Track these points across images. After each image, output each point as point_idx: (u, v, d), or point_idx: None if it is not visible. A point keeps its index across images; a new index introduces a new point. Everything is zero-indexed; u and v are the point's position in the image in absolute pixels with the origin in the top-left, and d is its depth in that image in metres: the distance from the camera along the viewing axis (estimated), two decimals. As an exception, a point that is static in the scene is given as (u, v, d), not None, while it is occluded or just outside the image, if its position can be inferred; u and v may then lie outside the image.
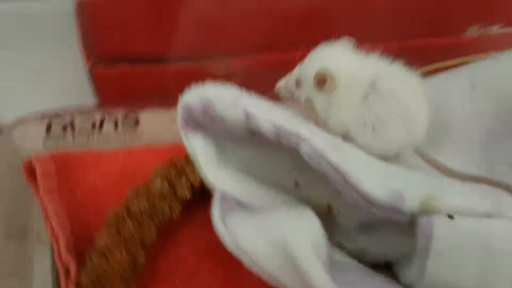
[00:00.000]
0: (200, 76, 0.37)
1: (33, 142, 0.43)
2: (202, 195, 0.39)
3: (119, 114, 0.44)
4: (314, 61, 0.38)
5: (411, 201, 0.31)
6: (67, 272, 0.35)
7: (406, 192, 0.31)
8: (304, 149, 0.32)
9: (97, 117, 0.43)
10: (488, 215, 0.31)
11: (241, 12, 0.47)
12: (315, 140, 0.31)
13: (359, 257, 0.36)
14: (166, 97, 0.44)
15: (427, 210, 0.31)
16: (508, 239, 0.30)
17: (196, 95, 0.35)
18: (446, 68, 0.47)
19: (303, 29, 0.49)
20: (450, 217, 0.30)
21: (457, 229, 0.30)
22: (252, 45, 0.49)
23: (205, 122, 0.36)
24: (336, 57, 0.38)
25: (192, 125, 0.37)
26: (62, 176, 0.40)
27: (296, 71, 0.39)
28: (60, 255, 0.35)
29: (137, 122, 0.44)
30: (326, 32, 0.39)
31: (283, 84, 0.39)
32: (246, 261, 0.33)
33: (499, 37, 0.55)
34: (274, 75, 0.40)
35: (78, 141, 0.44)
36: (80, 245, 0.37)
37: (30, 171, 0.40)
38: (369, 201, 0.31)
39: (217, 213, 0.35)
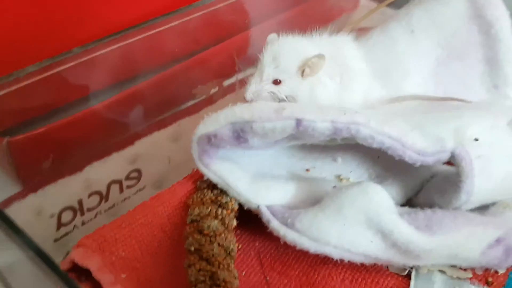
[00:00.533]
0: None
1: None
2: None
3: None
4: (286, 54, 0.41)
5: (448, 139, 0.40)
6: None
7: (442, 134, 0.40)
8: (364, 132, 0.38)
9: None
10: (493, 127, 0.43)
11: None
12: (372, 123, 0.38)
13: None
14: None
15: (459, 142, 0.40)
16: (510, 139, 0.43)
17: (217, 124, 0.37)
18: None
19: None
20: (476, 139, 0.41)
21: (483, 145, 0.41)
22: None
23: (229, 144, 0.40)
24: (303, 43, 0.43)
25: (210, 154, 0.41)
26: (106, 261, 0.37)
27: (265, 72, 0.41)
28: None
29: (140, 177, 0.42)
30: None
31: (254, 89, 0.41)
32: (334, 252, 0.38)
33: None
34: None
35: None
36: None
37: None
38: (424, 155, 0.40)
39: (277, 223, 0.39)
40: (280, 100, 0.41)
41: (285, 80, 0.41)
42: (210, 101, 0.58)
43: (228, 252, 0.38)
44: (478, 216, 0.42)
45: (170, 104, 0.55)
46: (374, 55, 0.51)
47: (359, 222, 0.39)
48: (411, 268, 0.42)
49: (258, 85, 0.41)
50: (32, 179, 0.43)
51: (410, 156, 0.40)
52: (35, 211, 0.40)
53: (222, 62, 0.59)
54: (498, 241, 0.41)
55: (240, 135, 0.38)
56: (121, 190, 0.41)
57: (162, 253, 0.41)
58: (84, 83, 0.45)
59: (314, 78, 0.42)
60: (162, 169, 0.45)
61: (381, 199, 0.39)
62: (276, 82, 0.41)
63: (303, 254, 0.41)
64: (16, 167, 0.41)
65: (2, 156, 0.41)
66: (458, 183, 0.41)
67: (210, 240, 0.38)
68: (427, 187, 0.46)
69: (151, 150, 0.48)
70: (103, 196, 0.40)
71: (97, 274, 0.35)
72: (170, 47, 0.53)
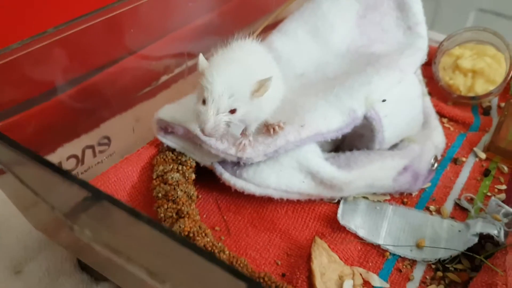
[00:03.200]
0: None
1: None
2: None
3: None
4: (238, 82, 0.41)
5: (360, 108, 0.49)
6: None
7: (354, 105, 0.49)
8: (289, 147, 0.48)
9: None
10: (400, 81, 0.52)
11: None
12: (291, 138, 0.47)
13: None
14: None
15: (370, 106, 0.49)
16: (414, 87, 0.53)
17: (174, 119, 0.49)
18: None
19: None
20: (384, 100, 0.49)
21: (390, 103, 0.50)
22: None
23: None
24: (249, 63, 0.43)
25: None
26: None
27: (222, 104, 0.40)
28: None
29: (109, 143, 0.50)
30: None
31: (212, 124, 0.40)
32: (275, 194, 0.48)
33: None
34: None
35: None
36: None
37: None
38: (341, 129, 0.49)
39: (228, 175, 0.48)
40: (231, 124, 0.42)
41: (240, 107, 0.41)
42: (165, 86, 0.65)
43: (189, 196, 0.47)
44: (388, 151, 0.52)
45: (130, 91, 0.61)
46: (303, 18, 0.61)
47: (292, 167, 0.48)
48: (340, 198, 0.52)
49: (216, 118, 0.40)
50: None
51: (331, 136, 0.49)
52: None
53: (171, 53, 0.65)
54: (405, 168, 0.52)
55: (189, 136, 0.47)
56: (94, 154, 0.48)
57: (133, 205, 0.49)
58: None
59: (263, 98, 0.43)
60: (128, 137, 0.53)
61: (309, 147, 0.49)
62: (233, 111, 0.41)
63: (253, 197, 0.50)
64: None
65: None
66: (371, 136, 0.52)
67: (174, 188, 0.46)
68: (349, 137, 0.56)
69: (117, 127, 0.55)
70: (79, 160, 0.46)
71: None
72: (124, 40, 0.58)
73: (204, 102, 0.41)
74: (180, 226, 0.42)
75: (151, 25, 0.63)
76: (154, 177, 0.48)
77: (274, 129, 0.48)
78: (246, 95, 0.41)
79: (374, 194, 0.52)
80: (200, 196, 0.53)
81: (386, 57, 0.55)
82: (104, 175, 0.49)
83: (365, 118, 0.50)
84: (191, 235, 0.42)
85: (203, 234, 0.42)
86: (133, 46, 0.61)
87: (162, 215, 0.44)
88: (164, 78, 0.66)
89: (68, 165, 0.46)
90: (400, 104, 0.52)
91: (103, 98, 0.55)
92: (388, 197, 0.53)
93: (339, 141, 0.56)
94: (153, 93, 0.64)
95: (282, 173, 0.48)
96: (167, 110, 0.49)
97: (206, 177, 0.52)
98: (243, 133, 0.46)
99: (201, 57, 0.42)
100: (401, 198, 0.53)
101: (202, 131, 0.41)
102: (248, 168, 0.48)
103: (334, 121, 0.49)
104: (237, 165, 0.49)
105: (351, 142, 0.55)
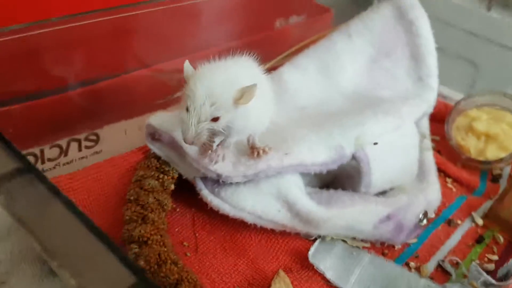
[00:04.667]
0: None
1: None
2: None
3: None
4: (220, 89, 0.40)
5: (348, 147, 0.48)
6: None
7: (344, 143, 0.48)
8: (270, 173, 0.46)
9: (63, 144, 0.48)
10: (397, 128, 0.50)
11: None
12: (272, 164, 0.46)
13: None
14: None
15: (359, 147, 0.48)
16: (411, 136, 0.51)
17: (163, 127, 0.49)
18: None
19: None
20: (375, 143, 0.48)
21: (382, 147, 0.48)
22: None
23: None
24: (233, 71, 0.42)
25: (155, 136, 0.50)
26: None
27: (203, 112, 0.39)
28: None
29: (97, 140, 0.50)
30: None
31: (194, 133, 0.40)
32: (249, 218, 0.46)
33: (300, 24, 0.79)
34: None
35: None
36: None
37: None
38: (327, 164, 0.48)
39: (206, 191, 0.47)
40: (217, 132, 0.42)
41: (223, 115, 0.40)
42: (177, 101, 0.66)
43: (161, 205, 0.46)
44: (373, 196, 0.50)
45: (140, 100, 0.62)
46: (317, 54, 0.61)
47: (271, 194, 0.47)
48: (318, 236, 0.50)
49: (197, 127, 0.40)
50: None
51: (314, 170, 0.48)
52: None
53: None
54: (388, 217, 0.49)
55: (174, 145, 0.48)
56: (80, 149, 0.49)
57: (109, 207, 0.49)
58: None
59: (250, 107, 0.42)
60: (119, 138, 0.53)
61: (291, 177, 0.48)
62: (215, 119, 0.40)
63: (229, 220, 0.49)
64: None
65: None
66: (358, 178, 0.50)
67: (148, 194, 0.46)
68: (339, 176, 0.54)
69: (111, 128, 0.55)
70: (63, 150, 0.47)
71: None
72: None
73: (187, 110, 0.41)
74: (140, 231, 0.41)
75: (176, 41, 0.64)
76: (133, 180, 0.48)
77: (258, 152, 0.47)
78: (229, 103, 0.40)
79: (354, 239, 0.50)
80: (178, 210, 0.52)
81: (388, 103, 0.54)
82: (85, 170, 0.49)
83: (354, 158, 0.49)
84: (149, 242, 0.41)
85: (161, 243, 0.41)
86: (153, 59, 0.62)
87: (127, 217, 0.43)
88: (179, 93, 0.67)
89: (50, 153, 0.47)
90: (393, 150, 0.50)
91: (110, 102, 0.56)
92: (368, 245, 0.50)
93: (328, 178, 0.55)
94: (164, 106, 0.65)
95: (259, 198, 0.47)
96: (158, 116, 0.50)
97: (187, 191, 0.51)
98: (220, 144, 0.45)
99: (186, 64, 0.42)
100: (381, 248, 0.51)
101: (184, 139, 0.40)
102: (227, 187, 0.48)
103: (320, 154, 0.48)
104: (217, 183, 0.48)
105: (340, 181, 0.53)
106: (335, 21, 0.77)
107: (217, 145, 0.45)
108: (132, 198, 0.45)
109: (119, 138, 0.53)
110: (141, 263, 0.39)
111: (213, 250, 0.48)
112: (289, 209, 0.47)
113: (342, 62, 0.61)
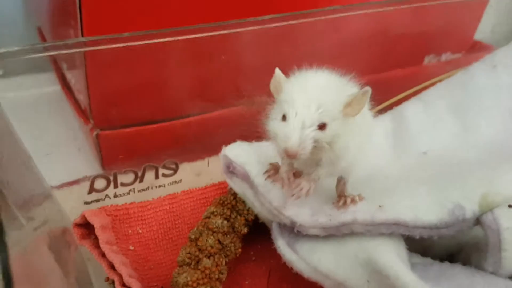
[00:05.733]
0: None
1: (76, 203, 0.43)
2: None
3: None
4: (328, 91, 0.33)
5: (470, 207, 0.35)
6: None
7: (463, 201, 0.35)
8: (358, 229, 0.36)
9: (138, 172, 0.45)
10: None
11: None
12: (359, 218, 0.36)
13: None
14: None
15: (487, 208, 0.35)
16: None
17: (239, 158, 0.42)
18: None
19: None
20: (511, 206, 0.34)
21: None
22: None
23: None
24: (339, 80, 0.35)
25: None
26: (116, 229, 0.42)
27: (308, 116, 0.32)
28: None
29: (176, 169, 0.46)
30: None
31: (298, 139, 0.31)
32: (327, 283, 0.37)
33: (448, 62, 0.64)
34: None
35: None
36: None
37: (81, 229, 0.41)
38: (439, 227, 0.35)
39: (282, 242, 0.39)
40: (319, 148, 0.33)
41: (330, 124, 0.32)
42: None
43: (225, 250, 0.39)
44: (504, 280, 0.35)
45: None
46: (449, 89, 0.49)
47: (357, 257, 0.36)
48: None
49: (302, 132, 0.31)
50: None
51: (420, 233, 0.36)
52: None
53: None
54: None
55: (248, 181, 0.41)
56: (157, 176, 0.46)
57: (179, 242, 0.44)
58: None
59: (358, 118, 0.34)
60: (200, 169, 0.49)
61: (387, 240, 0.36)
62: (322, 126, 0.32)
63: (312, 281, 0.40)
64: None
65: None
66: (485, 252, 0.36)
67: (212, 235, 0.39)
68: (468, 248, 0.41)
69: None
70: (138, 176, 0.44)
71: (98, 231, 0.39)
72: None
73: (284, 118, 0.32)
74: (186, 278, 0.35)
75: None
76: (203, 217, 0.43)
77: (345, 201, 0.37)
78: (336, 109, 0.32)
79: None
80: (254, 258, 0.45)
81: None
82: (159, 200, 0.45)
83: (479, 223, 0.36)
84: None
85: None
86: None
87: (180, 258, 0.38)
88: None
89: (125, 178, 0.44)
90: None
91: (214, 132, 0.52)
92: None
93: (453, 248, 0.42)
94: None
95: (343, 261, 0.37)
96: (235, 147, 0.43)
97: (269, 238, 0.44)
98: (304, 177, 0.36)
99: (277, 71, 0.34)
100: None
101: (286, 150, 0.31)
102: (305, 241, 0.39)
103: (427, 214, 0.35)
104: (293, 233, 0.39)
105: (469, 254, 0.40)
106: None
107: (301, 177, 0.36)
108: (193, 237, 0.40)
109: (200, 168, 0.49)
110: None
111: (283, 316, 0.39)
112: (379, 281, 0.35)
113: (482, 101, 0.47)
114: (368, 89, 0.32)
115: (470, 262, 0.38)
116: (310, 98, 0.32)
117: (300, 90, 0.32)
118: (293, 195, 0.35)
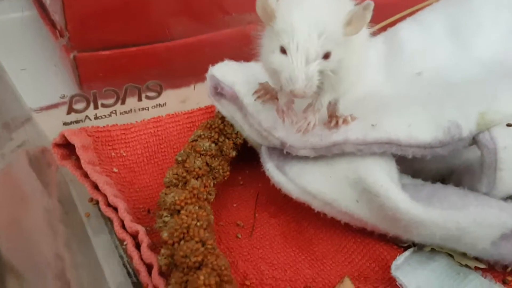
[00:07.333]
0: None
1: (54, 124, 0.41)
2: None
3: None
4: (326, 13, 0.30)
5: (467, 126, 0.34)
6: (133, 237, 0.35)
7: (460, 119, 0.34)
8: (349, 149, 0.35)
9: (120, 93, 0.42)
10: None
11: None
12: (351, 137, 0.35)
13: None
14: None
15: (485, 127, 0.34)
16: None
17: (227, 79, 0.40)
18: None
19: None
20: (509, 125, 0.33)
21: None
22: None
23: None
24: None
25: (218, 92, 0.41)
26: (98, 150, 0.40)
27: (311, 47, 0.29)
28: (121, 225, 0.35)
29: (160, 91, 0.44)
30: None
31: (303, 77, 0.29)
32: (315, 203, 0.36)
33: None
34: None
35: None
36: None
37: (61, 150, 0.39)
38: (433, 147, 0.34)
39: (271, 164, 0.38)
40: (323, 76, 0.31)
41: (334, 50, 0.30)
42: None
43: (213, 172, 0.38)
44: (497, 201, 0.35)
45: None
46: (446, 10, 0.47)
47: (347, 178, 0.36)
48: (413, 244, 0.37)
49: (307, 69, 0.29)
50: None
51: (413, 152, 0.35)
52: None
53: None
54: (517, 232, 0.34)
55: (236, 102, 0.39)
56: (139, 98, 0.43)
57: (163, 165, 0.43)
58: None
59: (361, 40, 0.33)
60: (185, 95, 0.46)
61: (378, 160, 0.35)
62: (327, 56, 0.30)
63: (300, 204, 0.39)
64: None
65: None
66: (480, 172, 0.36)
67: (200, 157, 0.38)
68: (459, 169, 0.40)
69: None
70: (120, 97, 0.42)
71: (79, 150, 0.38)
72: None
73: (283, 51, 0.30)
74: (174, 197, 0.34)
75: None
76: (189, 140, 0.41)
77: (337, 121, 0.36)
78: (338, 32, 0.29)
79: (464, 255, 0.36)
80: (241, 182, 0.44)
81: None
82: (142, 123, 0.43)
83: (475, 143, 0.35)
84: (182, 211, 0.33)
85: (195, 216, 0.32)
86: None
87: (167, 179, 0.36)
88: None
89: (105, 99, 0.42)
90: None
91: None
92: (483, 266, 0.36)
93: (444, 171, 0.41)
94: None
95: (331, 181, 0.36)
96: (223, 66, 0.41)
97: (257, 162, 0.42)
98: (307, 108, 0.34)
99: None
100: (503, 274, 0.36)
101: (293, 91, 0.29)
102: (294, 163, 0.37)
103: (422, 133, 0.34)
104: (283, 155, 0.38)
105: (460, 177, 0.39)
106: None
107: (303, 110, 0.35)
108: (180, 159, 0.38)
109: (186, 92, 0.46)
110: (164, 235, 0.31)
111: (270, 237, 0.39)
112: (369, 200, 0.35)
113: (479, 21, 0.45)
114: (370, 3, 0.29)
115: (461, 185, 0.38)
116: (310, 24, 0.29)
117: (298, 15, 0.29)
118: (299, 130, 0.34)
